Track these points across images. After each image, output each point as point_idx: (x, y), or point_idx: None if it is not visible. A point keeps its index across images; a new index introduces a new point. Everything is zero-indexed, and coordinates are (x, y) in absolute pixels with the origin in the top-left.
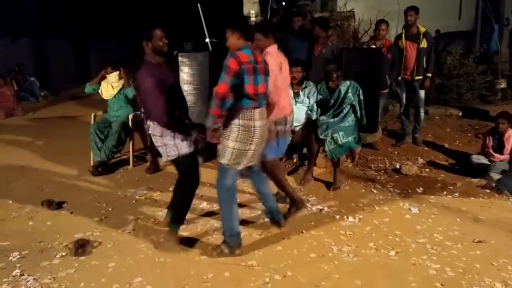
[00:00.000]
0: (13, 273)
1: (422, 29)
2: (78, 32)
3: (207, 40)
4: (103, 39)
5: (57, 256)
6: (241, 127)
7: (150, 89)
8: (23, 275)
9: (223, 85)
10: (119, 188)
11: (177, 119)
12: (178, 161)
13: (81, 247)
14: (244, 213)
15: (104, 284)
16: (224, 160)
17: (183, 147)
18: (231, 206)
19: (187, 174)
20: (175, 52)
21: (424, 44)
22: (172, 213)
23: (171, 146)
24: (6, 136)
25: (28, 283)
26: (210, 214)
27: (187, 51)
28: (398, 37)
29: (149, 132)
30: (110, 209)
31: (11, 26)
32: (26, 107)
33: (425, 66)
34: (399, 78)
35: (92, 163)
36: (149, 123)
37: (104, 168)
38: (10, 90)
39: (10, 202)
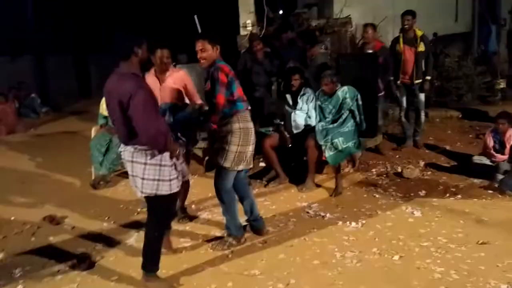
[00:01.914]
0: None
1: (419, 33)
2: (78, 47)
3: None
4: (102, 54)
5: (59, 271)
6: (241, 130)
7: (144, 104)
8: None
9: (221, 96)
10: (121, 201)
11: (175, 140)
12: (164, 199)
13: (83, 261)
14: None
15: None
16: (227, 163)
17: (176, 183)
18: (233, 204)
19: (168, 214)
20: (173, 63)
21: (421, 47)
22: (144, 258)
23: (165, 180)
24: (8, 153)
25: None
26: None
27: (183, 63)
28: (395, 40)
29: (127, 159)
30: (112, 222)
31: (11, 44)
32: (27, 123)
33: (423, 69)
34: (398, 82)
35: (93, 177)
36: (129, 148)
37: (105, 181)
38: (11, 107)
39: (13, 218)
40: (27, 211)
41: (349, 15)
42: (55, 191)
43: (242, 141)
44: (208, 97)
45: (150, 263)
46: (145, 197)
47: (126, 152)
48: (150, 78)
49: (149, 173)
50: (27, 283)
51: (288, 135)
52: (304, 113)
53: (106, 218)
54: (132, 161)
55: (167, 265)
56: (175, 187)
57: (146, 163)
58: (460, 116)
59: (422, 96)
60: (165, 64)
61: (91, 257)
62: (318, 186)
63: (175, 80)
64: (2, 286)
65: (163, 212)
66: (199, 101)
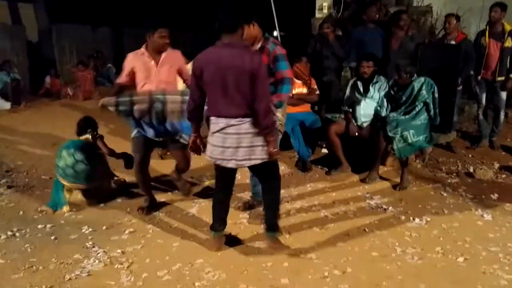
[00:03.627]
0: (85, 245)
1: (508, 27)
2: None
3: (276, 33)
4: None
5: (126, 232)
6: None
7: (266, 77)
8: (94, 247)
9: (291, 71)
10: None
11: None
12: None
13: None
14: (304, 207)
15: (168, 262)
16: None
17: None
18: None
19: (278, 172)
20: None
21: (509, 43)
22: (270, 218)
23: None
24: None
25: (98, 255)
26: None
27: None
28: (481, 33)
29: (248, 130)
30: (176, 191)
31: (92, 15)
32: (102, 91)
33: (508, 66)
34: (479, 77)
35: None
36: (248, 120)
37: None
38: (90, 74)
39: None
40: None
41: (430, 3)
42: None
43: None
44: None
45: (275, 220)
46: (259, 164)
47: (245, 124)
48: (141, 59)
49: (263, 140)
50: (95, 240)
51: (355, 124)
52: (375, 102)
53: (171, 188)
54: (252, 133)
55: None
56: None
57: (259, 133)
58: None
59: (503, 95)
60: (166, 44)
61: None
62: (382, 178)
63: (173, 61)
64: (73, 239)
65: (277, 170)
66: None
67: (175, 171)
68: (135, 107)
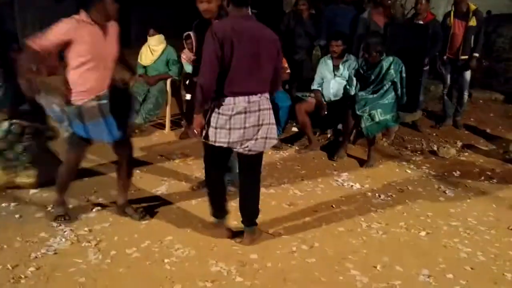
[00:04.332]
0: (51, 223)
1: (473, 7)
2: None
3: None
4: (144, 5)
5: (93, 210)
6: None
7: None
8: (60, 225)
9: None
10: (155, 151)
11: None
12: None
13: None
14: (273, 184)
15: (137, 239)
16: None
17: None
18: None
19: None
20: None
21: (473, 22)
22: (253, 211)
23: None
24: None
25: (65, 233)
26: None
27: None
28: (447, 14)
29: (266, 106)
30: (144, 169)
31: None
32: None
33: (472, 45)
34: (444, 57)
35: None
36: (265, 95)
37: (140, 131)
38: None
39: None
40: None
41: None
42: None
43: None
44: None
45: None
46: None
47: (263, 99)
48: (88, 28)
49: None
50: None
51: (325, 102)
52: (344, 81)
53: (140, 166)
54: (268, 109)
55: (196, 217)
56: None
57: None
58: (505, 100)
59: (467, 75)
60: (118, 11)
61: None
62: (350, 156)
63: (115, 32)
64: (38, 218)
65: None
66: None
67: (121, 193)
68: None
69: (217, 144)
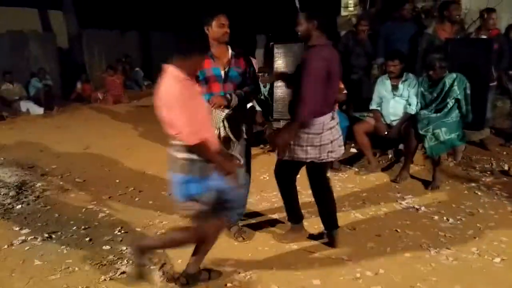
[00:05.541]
0: (119, 246)
1: None
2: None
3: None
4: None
5: (158, 233)
6: None
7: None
8: (127, 248)
9: None
10: None
11: None
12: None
13: None
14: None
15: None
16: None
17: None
18: None
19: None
20: (271, 43)
21: None
22: (328, 216)
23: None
24: (114, 122)
25: (132, 256)
26: None
27: (282, 42)
28: (510, 27)
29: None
30: None
31: (120, 20)
32: (131, 95)
33: None
34: (511, 72)
35: None
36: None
37: None
38: (119, 78)
39: (118, 181)
40: (131, 175)
41: None
42: (154, 159)
43: None
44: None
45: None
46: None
47: (335, 113)
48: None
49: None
50: (127, 241)
51: (384, 123)
52: (404, 100)
53: None
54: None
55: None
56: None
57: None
58: None
59: None
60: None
61: None
62: (413, 177)
63: None
64: (107, 241)
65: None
66: None
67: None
68: None
69: (308, 161)
